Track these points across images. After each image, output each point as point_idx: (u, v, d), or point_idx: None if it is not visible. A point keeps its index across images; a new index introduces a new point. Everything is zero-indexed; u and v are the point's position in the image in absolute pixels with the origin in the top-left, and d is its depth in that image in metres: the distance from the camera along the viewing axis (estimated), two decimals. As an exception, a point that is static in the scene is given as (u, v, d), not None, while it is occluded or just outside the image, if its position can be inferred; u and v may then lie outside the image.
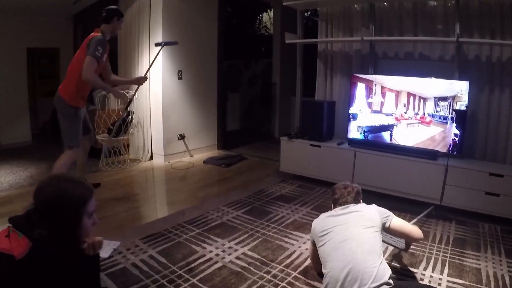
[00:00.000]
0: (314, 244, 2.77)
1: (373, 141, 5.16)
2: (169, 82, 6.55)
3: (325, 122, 5.53)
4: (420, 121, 4.80)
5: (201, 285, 2.88)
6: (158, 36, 6.29)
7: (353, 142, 5.29)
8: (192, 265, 3.18)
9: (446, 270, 3.17)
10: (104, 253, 3.24)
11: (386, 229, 2.72)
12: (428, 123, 4.73)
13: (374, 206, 2.78)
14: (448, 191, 4.45)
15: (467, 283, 2.98)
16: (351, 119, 5.31)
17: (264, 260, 3.29)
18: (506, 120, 4.62)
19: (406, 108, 4.88)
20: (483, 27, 4.63)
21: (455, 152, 4.55)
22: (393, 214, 2.77)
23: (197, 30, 6.91)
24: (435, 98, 4.64)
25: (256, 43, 11.08)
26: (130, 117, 6.49)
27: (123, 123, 6.20)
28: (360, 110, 5.24)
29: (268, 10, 11.12)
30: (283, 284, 2.93)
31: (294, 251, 3.47)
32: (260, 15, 11.66)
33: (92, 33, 4.39)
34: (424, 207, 4.23)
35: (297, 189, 5.30)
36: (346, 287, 2.28)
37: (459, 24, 4.53)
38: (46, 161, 6.38)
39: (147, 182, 5.90)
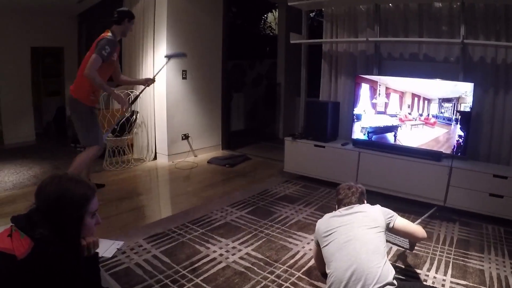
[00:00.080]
0: (318, 245, 2.77)
1: (377, 142, 5.16)
2: (174, 82, 6.56)
3: (330, 122, 5.52)
4: (424, 122, 4.79)
5: (204, 285, 2.88)
6: (163, 36, 6.32)
7: (357, 143, 5.29)
8: (196, 265, 3.18)
9: (449, 271, 3.16)
10: (108, 253, 3.26)
11: (390, 229, 2.73)
12: (432, 124, 4.72)
13: (378, 206, 2.78)
14: (452, 192, 4.44)
15: (471, 284, 2.98)
16: (355, 120, 5.31)
17: (268, 260, 3.30)
18: (510, 122, 4.61)
19: (411, 109, 4.87)
20: (488, 29, 4.62)
21: (459, 154, 4.54)
22: (397, 215, 2.77)
23: (202, 30, 6.92)
24: (439, 99, 4.63)
25: (260, 43, 11.08)
26: (134, 116, 6.51)
27: (127, 123, 6.22)
28: (364, 111, 5.23)
29: (273, 10, 11.11)
30: (287, 284, 2.93)
31: (298, 252, 3.47)
32: (265, 15, 11.65)
33: (103, 34, 4.47)
34: (428, 208, 4.22)
35: (301, 190, 5.30)
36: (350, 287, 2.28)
37: (464, 25, 4.52)
38: (49, 161, 6.41)
39: (151, 182, 5.91)
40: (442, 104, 4.62)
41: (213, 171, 6.27)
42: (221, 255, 3.37)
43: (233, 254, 3.38)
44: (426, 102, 4.75)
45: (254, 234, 3.81)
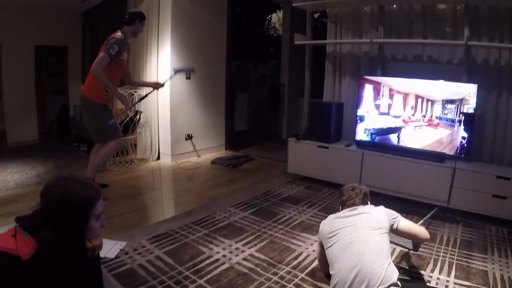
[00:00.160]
0: (321, 246, 2.77)
1: (381, 143, 5.16)
2: (178, 82, 6.56)
3: (333, 123, 5.53)
4: (427, 124, 4.79)
5: (208, 286, 2.88)
6: (167, 36, 6.34)
7: (361, 144, 5.29)
8: (199, 266, 3.18)
9: (453, 272, 3.17)
10: (111, 253, 3.25)
11: (393, 231, 2.73)
12: (436, 126, 4.72)
13: (382, 207, 2.78)
14: (455, 193, 4.45)
15: (474, 285, 2.98)
16: (359, 121, 5.31)
17: (272, 261, 3.30)
18: (513, 123, 4.62)
19: (414, 110, 4.87)
20: (492, 30, 4.62)
21: (462, 155, 4.55)
22: (401, 216, 2.77)
23: (206, 30, 6.94)
24: (443, 100, 4.63)
25: (264, 44, 11.09)
26: (138, 116, 6.52)
27: (130, 123, 6.22)
28: (367, 112, 5.23)
29: (277, 11, 11.12)
30: (290, 285, 2.93)
31: (302, 253, 3.47)
32: (269, 16, 11.65)
33: (113, 33, 4.55)
34: (431, 209, 4.22)
35: (304, 190, 5.30)
36: (354, 289, 2.28)
37: (468, 27, 4.52)
38: (52, 160, 6.42)
39: (154, 182, 5.92)
40: (446, 105, 4.62)
41: (217, 171, 6.28)
42: (224, 256, 3.37)
43: (237, 255, 3.38)
44: (429, 103, 4.75)
45: (258, 235, 3.81)
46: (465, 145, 4.50)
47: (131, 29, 4.65)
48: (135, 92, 6.11)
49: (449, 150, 4.63)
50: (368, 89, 5.20)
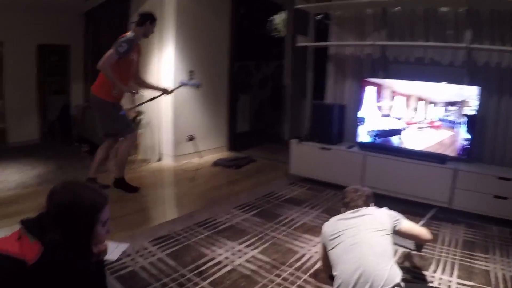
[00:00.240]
0: (324, 247, 2.78)
1: (383, 145, 5.17)
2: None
3: (335, 125, 5.55)
4: (429, 126, 4.80)
5: (211, 288, 2.89)
6: (171, 36, 6.34)
7: (363, 146, 5.30)
8: (202, 268, 3.18)
9: (455, 272, 3.18)
10: (113, 255, 3.24)
11: (396, 232, 2.74)
12: (438, 128, 4.73)
13: (385, 209, 2.79)
14: (457, 194, 4.47)
15: (476, 285, 3.00)
16: (361, 123, 5.32)
17: (274, 263, 3.30)
18: (514, 125, 4.64)
19: (416, 112, 4.88)
20: (494, 33, 4.63)
21: (464, 156, 4.56)
22: (403, 217, 2.78)
23: (209, 31, 6.95)
24: (444, 102, 4.64)
25: (267, 45, 11.07)
26: (140, 117, 6.52)
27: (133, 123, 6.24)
28: (370, 114, 5.24)
29: (281, 13, 11.10)
30: (294, 287, 2.94)
31: (304, 254, 3.48)
32: (272, 17, 11.64)
33: (124, 33, 4.70)
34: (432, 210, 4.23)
35: (306, 192, 5.31)
36: (357, 290, 2.29)
37: (469, 30, 4.54)
38: (54, 160, 6.42)
39: (156, 183, 5.89)
40: (447, 107, 4.63)
41: (219, 172, 6.28)
42: (227, 258, 3.37)
43: (239, 257, 3.39)
44: (431, 105, 4.75)
45: (260, 237, 3.82)
46: (466, 146, 4.51)
47: (141, 30, 4.76)
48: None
49: (450, 152, 4.64)
50: (370, 91, 5.20)
